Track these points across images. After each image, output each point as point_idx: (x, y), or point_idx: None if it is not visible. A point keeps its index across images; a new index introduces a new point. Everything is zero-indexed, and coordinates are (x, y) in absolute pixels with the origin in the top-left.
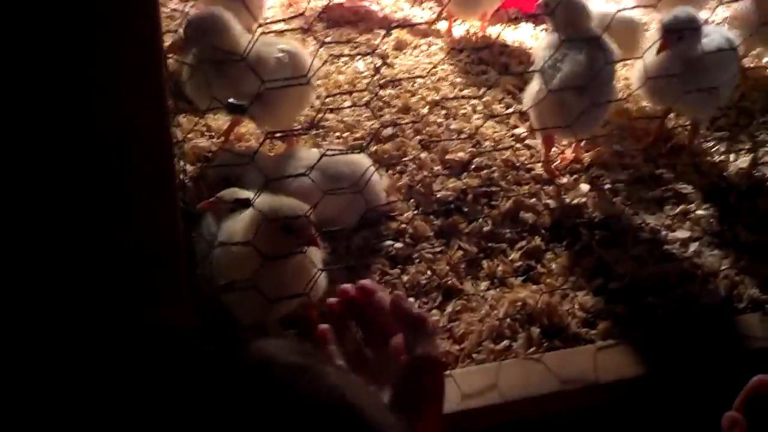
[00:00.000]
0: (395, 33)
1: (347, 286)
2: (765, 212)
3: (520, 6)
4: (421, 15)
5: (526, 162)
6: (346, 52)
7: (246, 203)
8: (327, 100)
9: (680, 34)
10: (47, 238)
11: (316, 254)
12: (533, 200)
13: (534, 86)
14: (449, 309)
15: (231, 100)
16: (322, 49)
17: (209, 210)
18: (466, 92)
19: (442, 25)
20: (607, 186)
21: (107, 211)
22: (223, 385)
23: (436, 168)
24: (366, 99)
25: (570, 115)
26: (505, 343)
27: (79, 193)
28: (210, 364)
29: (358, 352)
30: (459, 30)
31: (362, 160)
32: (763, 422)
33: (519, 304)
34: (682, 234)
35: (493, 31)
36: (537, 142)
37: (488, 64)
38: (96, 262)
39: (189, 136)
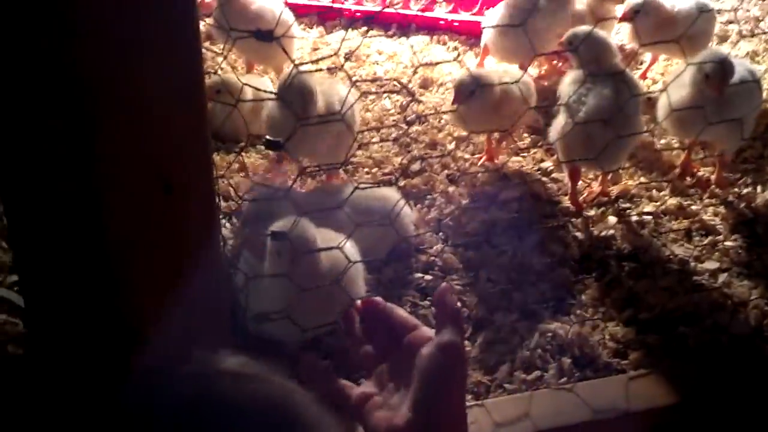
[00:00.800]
0: (421, 71)
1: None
2: None
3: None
4: (444, 55)
5: (553, 195)
6: (374, 90)
7: (282, 235)
8: (357, 136)
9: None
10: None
11: (354, 283)
12: (561, 232)
13: (560, 120)
14: (480, 340)
15: (267, 137)
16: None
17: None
18: None
19: (469, 62)
20: (635, 218)
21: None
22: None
23: (464, 201)
24: (394, 135)
25: (595, 147)
26: (537, 373)
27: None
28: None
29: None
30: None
31: (392, 194)
32: None
33: (550, 335)
34: (710, 265)
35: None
36: (564, 175)
37: None
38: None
39: (223, 173)
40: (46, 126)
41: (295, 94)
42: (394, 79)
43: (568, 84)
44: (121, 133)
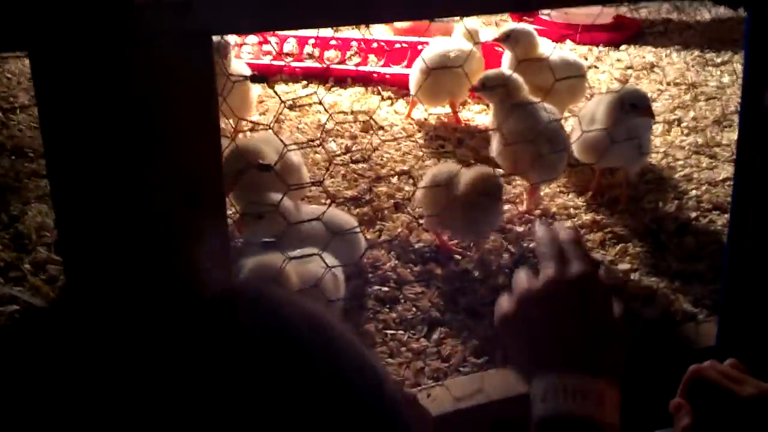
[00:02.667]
0: (361, 117)
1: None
2: (690, 246)
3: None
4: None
5: None
6: (319, 135)
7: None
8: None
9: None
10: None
11: (328, 287)
12: (496, 246)
13: (493, 142)
14: (435, 336)
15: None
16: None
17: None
18: (428, 162)
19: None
20: None
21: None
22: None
23: (410, 224)
24: (342, 172)
25: (523, 163)
26: (485, 357)
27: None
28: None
29: None
30: (417, 114)
31: (351, 217)
32: (702, 403)
33: (493, 328)
34: (623, 266)
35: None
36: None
37: (445, 139)
38: None
39: None
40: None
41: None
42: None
43: (492, 115)
44: (160, 156)
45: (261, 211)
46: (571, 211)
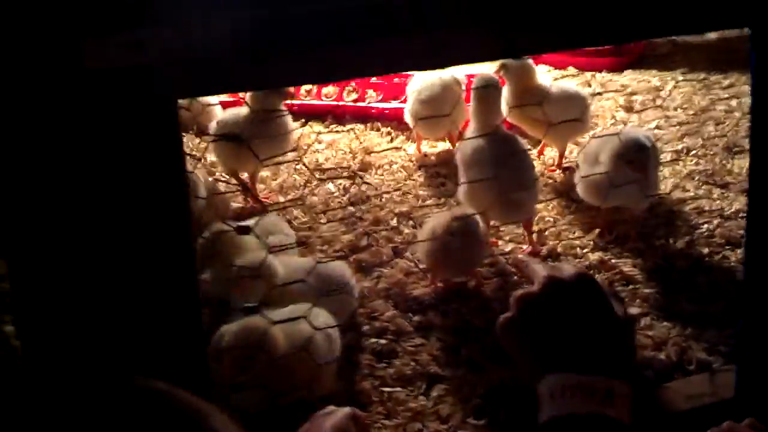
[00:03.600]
0: (359, 156)
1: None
2: (702, 286)
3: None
4: (379, 140)
5: (490, 256)
6: (317, 176)
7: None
8: (305, 219)
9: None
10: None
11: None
12: (500, 292)
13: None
14: (434, 394)
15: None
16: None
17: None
18: (429, 202)
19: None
20: None
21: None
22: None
23: (411, 271)
24: (340, 215)
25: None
26: (487, 419)
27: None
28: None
29: None
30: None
31: (343, 266)
32: None
33: (496, 384)
34: (633, 310)
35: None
36: (496, 236)
37: (446, 177)
38: None
39: None
40: None
41: None
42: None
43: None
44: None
45: (253, 273)
46: (578, 251)
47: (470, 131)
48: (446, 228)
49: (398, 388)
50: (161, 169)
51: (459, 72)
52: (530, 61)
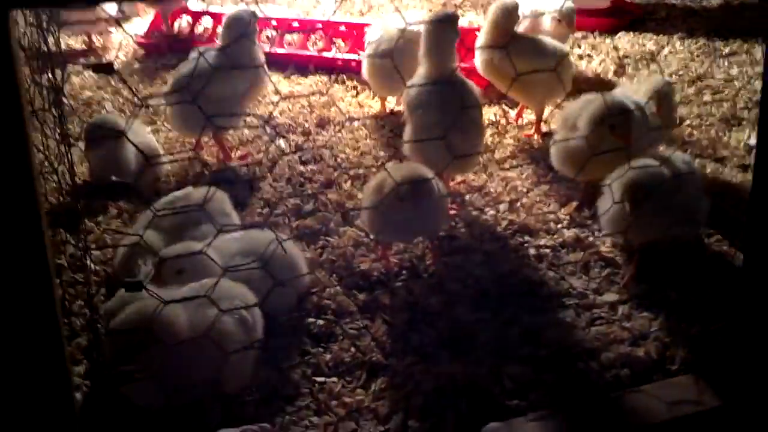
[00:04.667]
0: (318, 110)
1: None
2: (691, 271)
3: None
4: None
5: (452, 230)
6: (268, 130)
7: (137, 287)
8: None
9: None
10: None
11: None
12: (458, 270)
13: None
14: (374, 387)
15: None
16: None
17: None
18: (389, 164)
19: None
20: (532, 251)
21: None
22: None
23: (360, 241)
24: (287, 175)
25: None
26: (432, 421)
27: None
28: None
29: None
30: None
31: (263, 235)
32: None
33: (446, 379)
34: (609, 297)
35: None
36: (460, 209)
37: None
38: None
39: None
40: None
41: None
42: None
43: None
44: None
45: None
46: (551, 225)
47: (419, 74)
48: (395, 190)
49: (333, 378)
50: None
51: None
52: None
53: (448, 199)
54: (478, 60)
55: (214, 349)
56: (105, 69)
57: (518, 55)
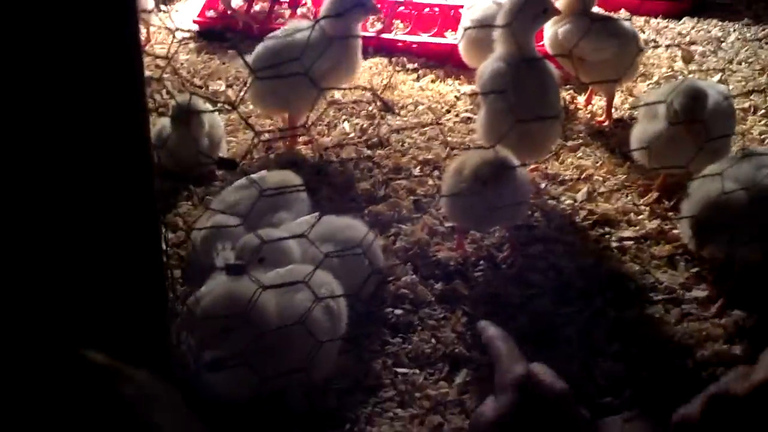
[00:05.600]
0: (381, 93)
1: None
2: None
3: None
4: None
5: (531, 219)
6: (331, 113)
7: (239, 270)
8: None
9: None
10: None
11: (318, 324)
12: (540, 261)
13: None
14: (458, 380)
15: (221, 155)
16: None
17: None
18: (457, 152)
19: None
20: (615, 244)
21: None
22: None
23: (435, 229)
24: (355, 160)
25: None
26: None
27: None
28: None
29: None
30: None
31: (357, 223)
32: None
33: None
34: (698, 293)
35: None
36: (542, 199)
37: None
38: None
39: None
40: None
41: None
42: (366, 89)
43: None
44: None
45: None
46: (632, 216)
47: (494, 56)
48: (475, 173)
49: (415, 370)
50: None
51: None
52: None
53: (530, 188)
54: (546, 37)
55: (306, 338)
56: (229, 165)
57: (590, 34)
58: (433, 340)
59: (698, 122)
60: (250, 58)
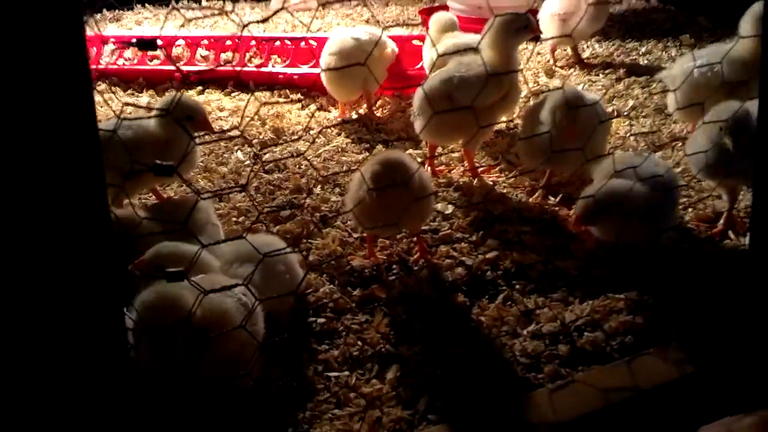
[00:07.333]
0: (269, 123)
1: None
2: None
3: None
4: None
5: (435, 226)
6: (223, 144)
7: (179, 276)
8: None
9: None
10: None
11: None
12: (448, 260)
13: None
14: (390, 375)
15: (157, 161)
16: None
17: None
18: (354, 168)
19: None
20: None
21: None
22: None
23: (346, 240)
24: (255, 184)
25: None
26: (460, 397)
27: None
28: None
29: None
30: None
31: (275, 239)
32: None
33: (459, 359)
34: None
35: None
36: (440, 204)
37: (369, 143)
38: None
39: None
40: None
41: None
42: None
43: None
44: None
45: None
46: (525, 213)
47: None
48: (371, 175)
49: (346, 372)
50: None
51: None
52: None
53: (432, 192)
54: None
55: (244, 340)
56: (164, 170)
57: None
58: (359, 343)
59: (578, 126)
60: None
